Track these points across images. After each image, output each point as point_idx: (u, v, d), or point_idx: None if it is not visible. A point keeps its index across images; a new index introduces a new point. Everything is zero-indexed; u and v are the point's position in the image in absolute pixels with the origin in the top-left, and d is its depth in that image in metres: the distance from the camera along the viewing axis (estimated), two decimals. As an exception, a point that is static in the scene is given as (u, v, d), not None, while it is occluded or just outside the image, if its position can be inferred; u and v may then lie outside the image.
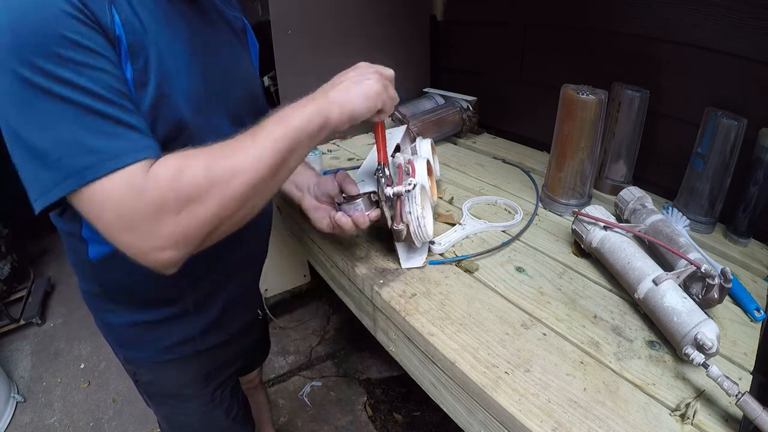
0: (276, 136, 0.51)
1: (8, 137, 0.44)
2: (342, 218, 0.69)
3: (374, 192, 0.71)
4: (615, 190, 0.95)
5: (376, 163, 0.74)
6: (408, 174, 0.76)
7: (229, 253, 0.69)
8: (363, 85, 0.58)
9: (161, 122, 0.52)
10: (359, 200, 0.70)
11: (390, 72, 0.63)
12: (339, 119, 0.56)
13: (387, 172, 0.71)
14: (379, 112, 0.61)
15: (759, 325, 0.66)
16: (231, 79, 0.65)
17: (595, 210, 0.77)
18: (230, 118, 0.63)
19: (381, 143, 0.71)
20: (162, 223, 0.45)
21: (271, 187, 0.53)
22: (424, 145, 0.96)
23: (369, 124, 0.69)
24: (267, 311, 1.90)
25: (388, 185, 0.70)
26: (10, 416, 1.60)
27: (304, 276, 2.00)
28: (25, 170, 0.45)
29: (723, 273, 0.60)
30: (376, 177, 0.71)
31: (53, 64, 0.42)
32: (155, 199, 0.44)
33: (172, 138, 0.53)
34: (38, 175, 0.44)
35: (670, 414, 0.52)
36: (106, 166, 0.43)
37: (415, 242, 0.73)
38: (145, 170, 0.45)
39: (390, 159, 0.84)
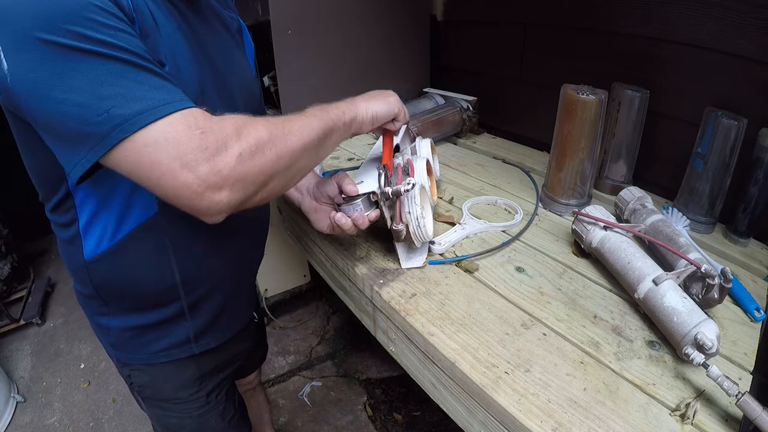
0: (320, 115, 0.59)
1: (41, 108, 0.43)
2: (341, 219, 0.69)
3: (373, 192, 0.71)
4: (615, 190, 0.95)
5: (377, 164, 0.74)
6: (407, 174, 0.76)
7: (225, 257, 0.69)
8: (383, 94, 0.71)
9: None
10: (358, 201, 0.70)
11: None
12: (364, 116, 0.66)
13: (388, 174, 0.72)
14: (394, 120, 0.72)
15: (759, 325, 0.66)
16: (228, 81, 0.65)
17: (595, 210, 0.77)
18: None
19: (387, 148, 0.76)
20: (223, 162, 0.45)
21: (316, 156, 0.59)
22: (424, 145, 0.96)
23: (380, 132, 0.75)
24: (267, 311, 1.90)
25: (387, 185, 0.70)
26: (10, 416, 1.60)
27: (304, 276, 2.00)
28: (64, 138, 0.44)
29: (723, 273, 0.60)
30: (378, 172, 0.72)
31: (88, 28, 0.42)
32: (219, 138, 0.45)
33: None
34: (82, 134, 0.43)
35: (670, 414, 0.52)
36: (163, 110, 0.43)
37: (415, 242, 0.73)
38: (206, 113, 0.46)
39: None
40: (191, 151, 0.43)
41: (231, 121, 0.47)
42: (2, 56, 0.42)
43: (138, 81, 0.44)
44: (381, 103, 0.69)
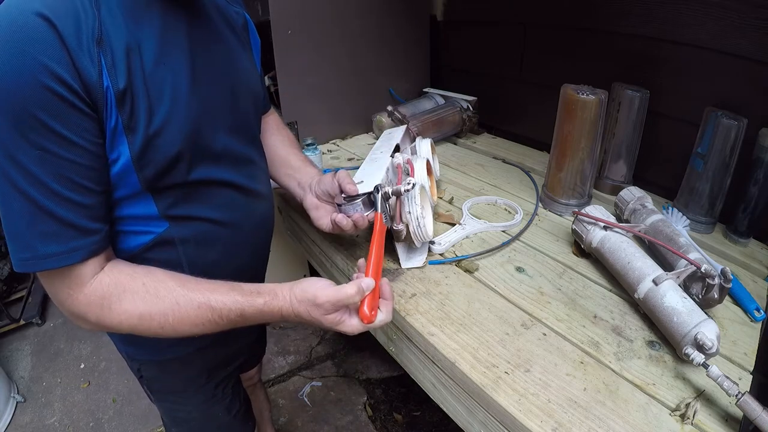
0: (221, 322, 0.55)
1: None
2: (342, 220, 0.69)
3: (373, 192, 0.71)
4: (615, 190, 0.95)
5: (377, 164, 0.74)
6: (407, 174, 0.76)
7: (236, 263, 0.69)
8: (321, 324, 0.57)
9: (153, 161, 0.52)
10: (359, 201, 0.70)
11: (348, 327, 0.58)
12: (289, 319, 0.58)
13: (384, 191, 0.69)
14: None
15: (759, 325, 0.66)
16: (232, 87, 0.64)
17: (595, 210, 0.77)
18: (231, 127, 0.64)
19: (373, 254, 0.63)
20: (86, 324, 0.53)
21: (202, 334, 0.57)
22: (424, 145, 0.96)
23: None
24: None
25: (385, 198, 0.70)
26: (10, 416, 1.60)
27: (304, 276, 1.99)
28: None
29: (723, 273, 0.60)
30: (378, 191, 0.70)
31: (17, 147, 0.43)
32: (84, 310, 0.51)
33: (169, 169, 0.54)
34: (6, 243, 0.49)
35: (670, 414, 0.52)
36: (41, 264, 0.47)
37: (415, 242, 0.73)
38: (87, 277, 0.50)
39: (390, 160, 0.84)
40: (67, 306, 0.51)
41: (99, 299, 0.51)
42: None
43: (34, 226, 0.46)
44: (311, 324, 0.58)
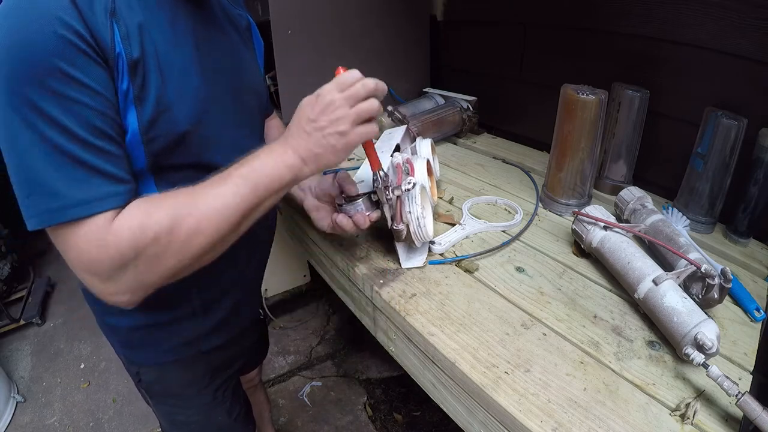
0: (244, 192, 0.51)
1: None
2: (343, 220, 0.69)
3: (374, 192, 0.71)
4: (615, 190, 0.95)
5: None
6: (407, 173, 0.76)
7: (237, 263, 0.69)
8: (337, 139, 0.54)
9: (161, 136, 0.52)
10: (359, 201, 0.70)
11: (355, 77, 0.55)
12: (309, 174, 0.56)
13: (383, 174, 0.68)
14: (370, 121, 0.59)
15: (759, 325, 0.66)
16: (236, 82, 0.65)
17: (595, 210, 0.77)
18: (236, 120, 0.64)
19: (370, 154, 0.65)
20: (121, 275, 0.48)
21: (232, 239, 0.54)
22: (424, 145, 0.96)
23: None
24: (267, 311, 1.90)
25: (386, 186, 0.69)
26: (10, 416, 1.60)
27: (304, 276, 2.00)
28: (15, 192, 0.46)
29: (723, 273, 0.60)
30: (375, 186, 0.69)
31: (40, 97, 0.42)
32: (115, 255, 0.46)
33: (174, 148, 0.54)
34: (20, 202, 0.46)
35: (670, 414, 0.52)
36: (69, 213, 0.45)
37: (415, 242, 0.73)
38: (108, 223, 0.46)
39: (389, 159, 0.84)
40: (93, 262, 0.47)
41: (128, 228, 0.47)
42: None
43: (63, 173, 0.45)
44: (332, 155, 0.55)
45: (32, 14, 0.42)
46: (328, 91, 0.55)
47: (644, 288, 0.64)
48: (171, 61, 0.52)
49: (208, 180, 0.52)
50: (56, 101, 0.43)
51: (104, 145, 0.47)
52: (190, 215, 0.49)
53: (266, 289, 1.87)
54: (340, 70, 0.57)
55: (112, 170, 0.47)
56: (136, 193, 0.51)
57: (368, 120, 0.56)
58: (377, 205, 0.72)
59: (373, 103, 0.55)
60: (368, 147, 0.64)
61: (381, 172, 0.67)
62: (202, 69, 0.56)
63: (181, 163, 0.56)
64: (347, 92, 0.54)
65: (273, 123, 0.87)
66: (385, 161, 0.82)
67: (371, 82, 0.55)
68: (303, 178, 0.56)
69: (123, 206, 0.48)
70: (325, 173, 0.80)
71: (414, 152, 0.98)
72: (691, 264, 0.64)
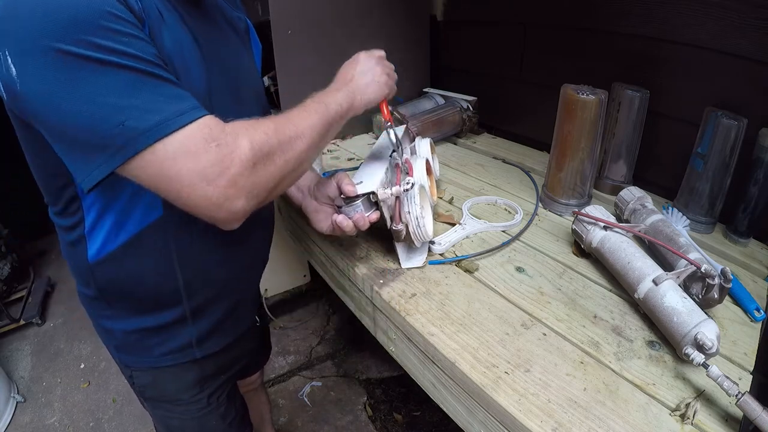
0: (321, 112, 0.60)
1: (53, 118, 0.43)
2: (343, 221, 0.69)
3: (373, 193, 0.71)
4: (615, 190, 0.95)
5: (376, 164, 0.73)
6: (406, 173, 0.76)
7: (232, 264, 0.69)
8: (373, 77, 0.71)
9: None
10: (358, 201, 0.70)
11: (382, 52, 0.76)
12: (359, 105, 0.68)
13: (394, 135, 0.79)
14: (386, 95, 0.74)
15: (759, 325, 0.66)
16: (236, 81, 0.65)
17: (595, 210, 0.77)
18: (240, 111, 0.63)
19: (384, 107, 0.78)
20: (239, 174, 0.47)
21: (318, 152, 0.61)
22: (423, 145, 0.96)
23: (370, 124, 0.70)
24: (267, 311, 1.90)
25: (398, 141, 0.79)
26: (10, 416, 1.60)
27: (304, 276, 2.00)
28: (76, 148, 0.44)
29: (723, 273, 0.60)
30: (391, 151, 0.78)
31: (101, 37, 0.42)
32: (233, 149, 0.46)
33: None
34: (97, 146, 0.43)
35: (670, 414, 0.52)
36: (178, 121, 0.44)
37: (415, 242, 0.73)
38: (219, 124, 0.47)
39: (389, 160, 0.84)
40: (209, 165, 0.45)
41: (242, 130, 0.48)
42: (10, 62, 0.41)
43: (152, 91, 0.44)
44: (372, 89, 0.70)
45: None
46: (366, 56, 0.74)
47: (644, 288, 0.64)
48: (175, 58, 0.52)
49: (289, 110, 0.58)
50: (119, 39, 0.43)
51: (171, 76, 0.47)
52: (289, 122, 0.55)
53: (266, 289, 1.87)
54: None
55: (185, 92, 0.47)
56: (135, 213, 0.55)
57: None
58: (376, 205, 0.72)
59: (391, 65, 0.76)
60: (382, 103, 0.77)
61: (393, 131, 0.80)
62: (204, 68, 0.57)
63: None
64: (378, 56, 0.74)
65: None
66: (382, 165, 0.82)
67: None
68: (356, 108, 0.68)
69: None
70: (324, 174, 0.80)
71: (413, 152, 0.98)
72: (691, 264, 0.64)
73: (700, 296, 0.64)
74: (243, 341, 0.82)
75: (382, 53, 0.75)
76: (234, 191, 0.47)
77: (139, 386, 0.74)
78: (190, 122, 0.45)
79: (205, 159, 0.45)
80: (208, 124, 0.46)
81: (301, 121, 0.56)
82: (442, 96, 1.42)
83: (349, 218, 0.69)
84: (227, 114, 0.61)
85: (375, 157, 0.85)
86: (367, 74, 0.70)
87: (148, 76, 0.44)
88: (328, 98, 0.63)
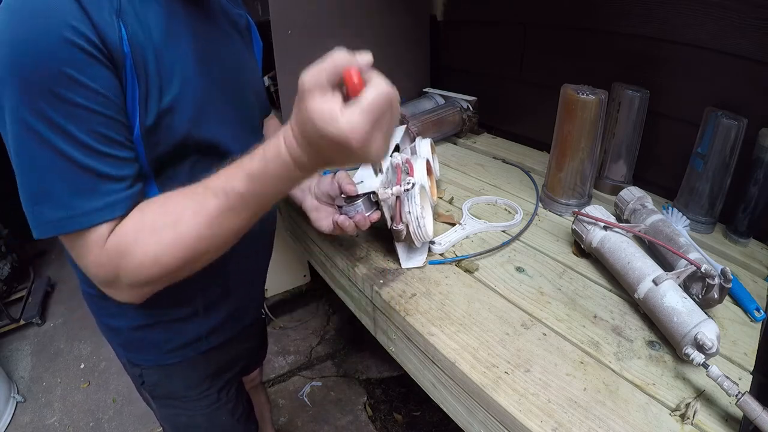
0: (238, 206, 0.47)
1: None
2: (345, 222, 0.69)
3: (373, 192, 0.71)
4: (615, 190, 0.95)
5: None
6: (407, 173, 0.76)
7: (240, 262, 0.69)
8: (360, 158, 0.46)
9: (162, 139, 0.52)
10: (359, 201, 0.70)
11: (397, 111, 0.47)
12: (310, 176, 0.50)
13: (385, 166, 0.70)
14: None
15: (759, 325, 0.66)
16: (236, 81, 0.65)
17: (595, 210, 0.77)
18: (236, 118, 0.64)
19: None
20: (117, 286, 0.50)
21: (224, 248, 0.53)
22: (424, 145, 0.96)
23: None
24: (267, 311, 1.90)
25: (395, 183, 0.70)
26: (10, 416, 1.60)
27: (304, 276, 2.00)
28: (21, 199, 0.47)
29: (723, 273, 0.60)
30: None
31: (47, 104, 0.42)
32: (109, 273, 0.49)
33: (175, 148, 0.54)
34: (26, 209, 0.47)
35: (670, 414, 0.52)
36: (73, 223, 0.46)
37: (415, 242, 0.73)
38: (107, 232, 0.47)
39: (389, 160, 0.84)
40: (93, 272, 0.49)
41: (118, 249, 0.47)
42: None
43: (69, 182, 0.45)
44: (347, 163, 0.46)
45: (43, 22, 0.41)
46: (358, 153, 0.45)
47: (644, 288, 0.64)
48: (172, 62, 0.52)
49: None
50: (63, 108, 0.43)
51: (111, 151, 0.47)
52: (180, 233, 0.48)
53: (266, 289, 1.87)
54: (351, 72, 0.43)
55: (118, 174, 0.48)
56: (143, 193, 0.51)
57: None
58: (377, 205, 0.72)
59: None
60: None
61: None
62: (201, 69, 0.56)
63: (180, 161, 0.56)
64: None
65: (271, 122, 0.87)
66: (384, 162, 0.82)
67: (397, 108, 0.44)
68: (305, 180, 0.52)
69: (126, 213, 0.48)
70: (324, 173, 0.80)
71: (414, 152, 0.98)
72: (691, 264, 0.64)
73: (700, 296, 0.64)
74: (247, 335, 0.83)
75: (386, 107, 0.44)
76: (119, 294, 0.51)
77: (149, 385, 0.74)
78: (86, 228, 0.46)
79: (89, 266, 0.49)
80: (98, 234, 0.47)
81: (201, 226, 0.47)
82: (442, 96, 1.42)
83: (350, 218, 0.70)
84: (229, 121, 0.61)
85: None
86: (356, 157, 0.44)
87: (71, 163, 0.44)
88: (267, 185, 0.46)
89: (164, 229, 0.47)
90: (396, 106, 0.43)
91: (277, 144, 0.45)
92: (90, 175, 0.45)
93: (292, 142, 0.44)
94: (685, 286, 0.66)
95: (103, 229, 0.47)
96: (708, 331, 0.54)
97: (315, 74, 0.42)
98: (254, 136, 0.71)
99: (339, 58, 0.42)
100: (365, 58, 0.42)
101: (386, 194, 0.69)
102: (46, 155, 0.44)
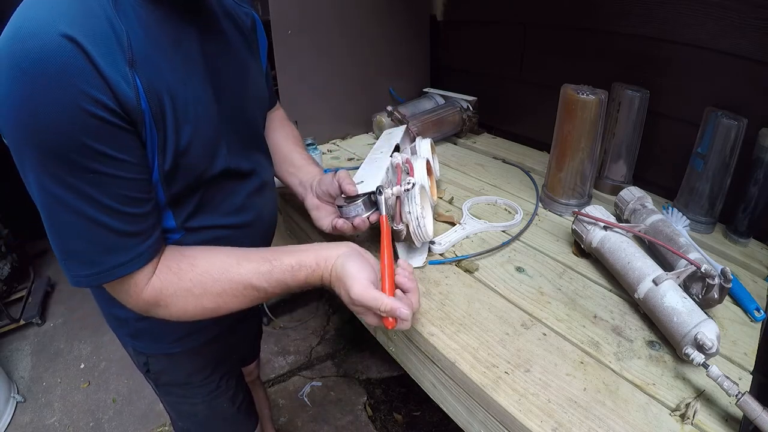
0: (266, 296, 0.58)
1: None
2: (343, 225, 0.70)
3: (373, 192, 0.71)
4: (615, 190, 0.95)
5: (377, 164, 0.73)
6: (407, 174, 0.76)
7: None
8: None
9: (180, 178, 0.54)
10: (359, 201, 0.70)
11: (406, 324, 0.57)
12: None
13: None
14: None
15: (759, 325, 0.66)
16: (242, 97, 0.64)
17: (595, 210, 0.77)
18: (243, 137, 0.64)
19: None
20: (155, 313, 0.55)
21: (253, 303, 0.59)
22: (424, 145, 0.96)
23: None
24: (267, 311, 1.90)
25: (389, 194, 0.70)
26: (10, 416, 1.60)
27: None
28: (53, 250, 0.50)
29: (723, 273, 0.60)
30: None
31: (70, 173, 0.43)
32: (144, 311, 0.55)
33: (192, 186, 0.56)
34: (59, 260, 0.50)
35: (670, 414, 0.52)
36: (103, 277, 0.49)
37: (415, 242, 0.73)
38: (143, 279, 0.52)
39: (389, 160, 0.84)
40: (129, 306, 0.54)
41: (153, 300, 0.53)
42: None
43: (95, 242, 0.48)
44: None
45: (58, 92, 0.40)
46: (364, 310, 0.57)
47: (644, 288, 0.64)
48: (186, 102, 0.52)
49: (251, 260, 0.57)
50: (86, 177, 0.44)
51: (134, 210, 0.49)
52: (216, 303, 0.56)
53: (266, 289, 1.87)
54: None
55: (141, 229, 0.50)
56: (162, 239, 0.55)
57: None
58: (377, 205, 0.72)
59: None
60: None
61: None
62: (213, 102, 0.57)
63: (194, 191, 0.57)
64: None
65: (275, 114, 0.88)
66: (385, 162, 0.83)
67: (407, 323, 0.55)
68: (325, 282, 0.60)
69: (151, 259, 0.52)
70: (325, 172, 0.80)
71: (414, 152, 0.98)
72: (691, 264, 0.64)
73: (700, 296, 0.64)
74: (247, 320, 0.84)
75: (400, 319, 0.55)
76: (146, 311, 0.55)
77: (155, 372, 0.75)
78: (114, 279, 0.50)
79: (124, 301, 0.54)
80: (133, 279, 0.51)
81: (231, 303, 0.57)
82: (442, 96, 1.42)
83: (350, 218, 0.70)
84: (235, 137, 0.62)
85: (376, 157, 0.86)
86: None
87: (96, 225, 0.47)
88: (292, 277, 0.58)
89: (204, 296, 0.55)
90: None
91: (318, 277, 0.58)
92: (116, 236, 0.48)
93: (327, 283, 0.59)
94: (685, 286, 0.66)
95: (139, 277, 0.51)
96: (708, 331, 0.54)
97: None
98: (260, 151, 0.72)
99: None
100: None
101: (387, 194, 0.69)
102: (72, 220, 0.46)
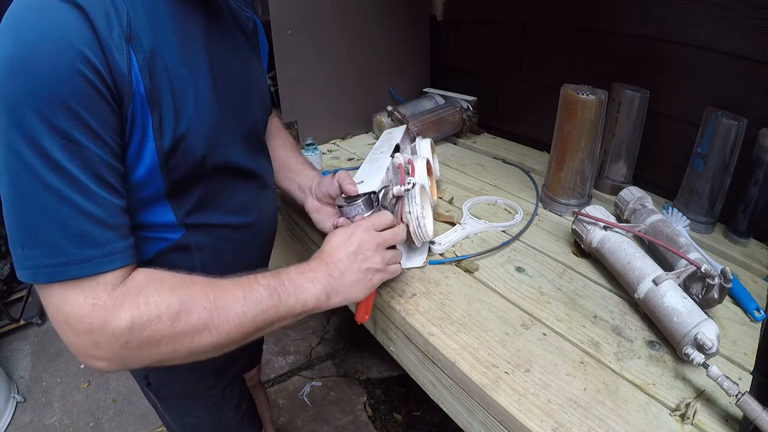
0: (264, 306, 0.50)
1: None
2: (345, 225, 0.70)
3: (374, 192, 0.71)
4: (615, 190, 0.95)
5: (377, 164, 0.73)
6: (408, 174, 0.76)
7: (245, 258, 0.69)
8: (365, 275, 0.58)
9: (180, 164, 0.52)
10: (359, 201, 0.70)
11: (387, 234, 0.61)
12: (331, 304, 0.57)
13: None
14: None
15: (759, 325, 0.66)
16: (246, 93, 0.65)
17: (595, 210, 0.77)
18: (245, 132, 0.64)
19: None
20: (105, 343, 0.43)
21: (235, 347, 0.51)
22: (424, 145, 0.96)
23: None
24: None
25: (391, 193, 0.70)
26: (10, 416, 1.60)
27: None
28: (7, 234, 0.43)
29: (723, 273, 0.60)
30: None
31: (43, 134, 0.39)
32: (107, 320, 0.42)
33: (191, 171, 0.54)
34: (12, 249, 0.42)
35: (670, 414, 0.52)
36: (68, 270, 0.41)
37: (415, 242, 0.73)
38: (115, 284, 0.43)
39: (389, 160, 0.84)
40: (78, 317, 0.42)
41: (133, 299, 0.43)
42: None
43: (66, 225, 0.40)
44: (359, 290, 0.58)
45: (54, 47, 0.38)
46: (365, 236, 0.59)
47: (644, 288, 0.64)
48: (185, 85, 0.51)
49: (233, 278, 0.51)
50: (60, 143, 0.39)
51: (110, 197, 0.44)
52: (204, 309, 0.46)
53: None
54: None
55: (118, 223, 0.44)
56: (137, 247, 0.48)
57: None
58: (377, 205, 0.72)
59: (398, 253, 0.62)
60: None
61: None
62: (214, 86, 0.56)
63: (194, 188, 0.56)
64: (380, 238, 0.60)
65: (272, 122, 0.87)
66: (385, 162, 0.82)
67: (401, 233, 0.60)
68: (323, 309, 0.57)
69: (127, 263, 0.45)
70: (324, 173, 0.80)
71: (414, 152, 0.98)
72: (691, 264, 0.64)
73: (700, 296, 0.64)
74: None
75: (386, 236, 0.61)
76: (96, 352, 0.43)
77: (155, 386, 0.73)
78: (88, 276, 0.42)
79: (76, 310, 0.42)
80: (105, 280, 0.42)
81: (227, 309, 0.48)
82: (442, 96, 1.42)
83: (350, 218, 0.69)
84: (237, 128, 0.62)
85: (376, 157, 0.86)
86: (359, 267, 0.57)
87: (68, 205, 0.40)
88: (292, 288, 0.53)
89: (203, 332, 0.46)
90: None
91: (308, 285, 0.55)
92: (88, 221, 0.42)
93: (319, 275, 0.57)
94: (685, 286, 0.66)
95: (112, 276, 0.43)
96: (708, 331, 0.54)
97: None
98: (261, 150, 0.72)
99: None
100: None
101: (389, 195, 0.69)
102: (38, 192, 0.40)
